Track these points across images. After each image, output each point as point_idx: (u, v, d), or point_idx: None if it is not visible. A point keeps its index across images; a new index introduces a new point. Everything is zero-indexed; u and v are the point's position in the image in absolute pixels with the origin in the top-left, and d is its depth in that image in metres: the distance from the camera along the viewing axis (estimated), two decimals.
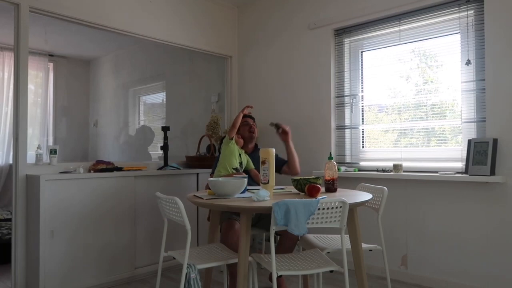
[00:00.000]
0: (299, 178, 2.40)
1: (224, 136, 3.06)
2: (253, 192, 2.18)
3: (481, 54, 2.80)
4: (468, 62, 2.86)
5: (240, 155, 2.90)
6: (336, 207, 1.91)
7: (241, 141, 2.95)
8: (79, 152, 5.40)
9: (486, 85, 2.75)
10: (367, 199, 2.23)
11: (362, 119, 3.50)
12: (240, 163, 2.88)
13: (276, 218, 1.84)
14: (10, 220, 3.41)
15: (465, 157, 2.82)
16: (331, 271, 1.97)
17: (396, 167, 3.07)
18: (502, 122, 2.68)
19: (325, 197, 2.01)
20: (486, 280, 2.73)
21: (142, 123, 5.38)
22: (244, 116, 3.19)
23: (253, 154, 3.08)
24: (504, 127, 2.67)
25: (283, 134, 3.07)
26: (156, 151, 4.64)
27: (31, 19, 2.87)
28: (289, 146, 3.07)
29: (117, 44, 5.11)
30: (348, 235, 2.26)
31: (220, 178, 2.46)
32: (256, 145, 3.20)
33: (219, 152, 3.06)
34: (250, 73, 4.22)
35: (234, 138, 2.87)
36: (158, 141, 4.64)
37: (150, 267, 3.27)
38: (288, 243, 2.74)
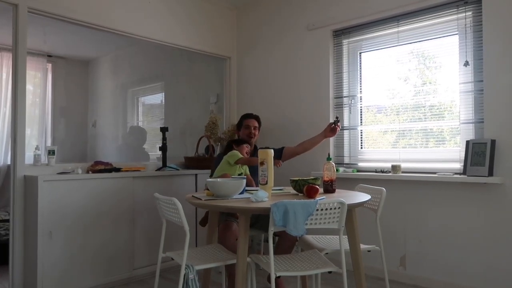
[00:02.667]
0: (297, 179, 2.40)
1: (229, 145, 2.91)
2: (252, 193, 2.18)
3: (479, 55, 2.81)
4: (466, 63, 2.86)
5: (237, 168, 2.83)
6: (335, 208, 1.91)
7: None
8: (77, 153, 5.39)
9: (484, 86, 2.76)
10: (365, 200, 2.23)
11: (361, 120, 3.50)
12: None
13: (275, 219, 1.84)
14: (8, 221, 3.40)
15: (463, 158, 2.83)
16: (330, 272, 1.97)
17: (395, 168, 3.08)
18: (500, 123, 2.68)
19: (323, 198, 2.01)
20: (484, 281, 2.74)
21: (140, 123, 5.38)
22: (250, 117, 3.20)
23: (252, 155, 3.08)
24: (502, 128, 2.67)
25: (331, 131, 3.13)
26: (154, 152, 4.64)
27: (29, 19, 2.87)
28: (321, 140, 3.17)
29: (116, 44, 5.11)
30: (346, 236, 2.26)
31: (218, 179, 2.46)
32: (255, 146, 3.20)
33: (218, 157, 3.05)
34: (249, 74, 4.22)
35: None
36: (157, 142, 4.64)
37: (149, 268, 3.27)
38: (286, 244, 2.74)
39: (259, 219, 2.86)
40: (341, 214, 1.93)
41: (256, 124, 3.20)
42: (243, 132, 3.16)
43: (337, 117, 3.16)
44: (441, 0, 2.93)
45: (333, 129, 3.12)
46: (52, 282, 2.74)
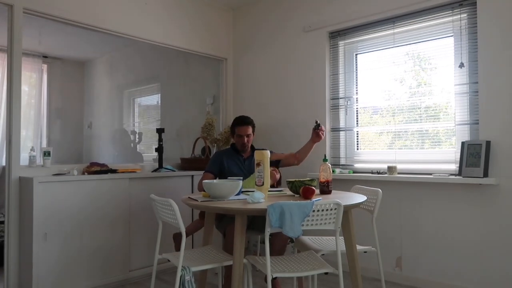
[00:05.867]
0: (294, 180, 2.41)
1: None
2: (248, 194, 2.18)
3: (474, 57, 2.82)
4: (461, 65, 2.88)
5: None
6: (331, 209, 1.92)
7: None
8: (73, 154, 5.37)
9: (479, 87, 2.77)
10: (361, 201, 2.24)
11: (357, 121, 3.51)
12: None
13: (271, 220, 1.84)
14: (2, 222, 3.38)
15: (458, 159, 2.84)
16: (326, 273, 1.97)
17: (391, 169, 3.09)
18: (495, 124, 2.70)
19: (319, 199, 2.01)
20: (480, 282, 2.75)
21: (136, 125, 5.37)
22: (242, 124, 3.03)
23: (250, 157, 3.07)
24: (497, 129, 2.69)
25: (316, 136, 2.99)
26: (150, 153, 4.63)
27: (25, 20, 2.86)
28: (311, 146, 3.06)
29: (112, 45, 5.09)
30: (342, 237, 2.26)
31: (215, 180, 2.46)
32: (252, 147, 3.18)
33: (216, 155, 3.05)
34: (245, 75, 4.22)
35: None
36: (153, 143, 4.64)
37: (145, 269, 3.26)
38: (279, 243, 2.71)
39: (255, 220, 2.86)
40: (337, 215, 1.93)
41: (249, 131, 3.02)
42: (236, 140, 3.04)
43: (316, 121, 3.02)
44: (436, 2, 2.95)
45: (317, 133, 2.99)
46: (48, 284, 2.72)
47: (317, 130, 2.99)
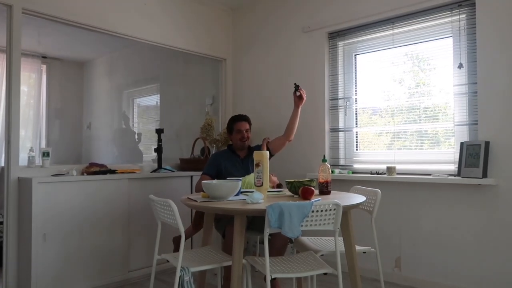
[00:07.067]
0: (293, 180, 2.41)
1: None
2: (247, 195, 2.18)
3: (473, 58, 2.83)
4: (460, 66, 2.88)
5: None
6: (330, 210, 1.92)
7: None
8: (72, 155, 5.37)
9: (478, 88, 2.78)
10: (360, 201, 2.24)
11: (356, 121, 3.51)
12: None
13: (270, 220, 1.84)
14: (1, 223, 3.37)
15: (457, 160, 2.84)
16: (325, 274, 1.97)
17: (390, 170, 3.09)
18: (494, 125, 2.70)
19: (319, 200, 2.01)
20: (479, 282, 2.75)
21: (136, 125, 5.37)
22: (240, 119, 3.12)
23: (247, 157, 3.07)
24: (496, 130, 2.69)
25: (299, 98, 3.03)
26: (150, 154, 4.63)
27: (24, 20, 2.86)
28: (297, 112, 3.08)
29: (111, 46, 5.09)
30: (342, 238, 2.26)
31: (214, 181, 2.46)
32: (249, 147, 3.19)
33: (215, 155, 3.05)
34: (245, 76, 4.22)
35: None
36: (152, 144, 4.64)
37: (144, 270, 3.25)
38: (279, 243, 2.71)
39: (254, 221, 2.85)
40: (337, 215, 1.93)
41: (248, 126, 3.10)
42: (235, 136, 3.07)
43: (295, 84, 3.04)
44: (435, 3, 2.95)
45: (299, 96, 3.02)
46: (46, 285, 2.72)
47: (298, 93, 3.00)
